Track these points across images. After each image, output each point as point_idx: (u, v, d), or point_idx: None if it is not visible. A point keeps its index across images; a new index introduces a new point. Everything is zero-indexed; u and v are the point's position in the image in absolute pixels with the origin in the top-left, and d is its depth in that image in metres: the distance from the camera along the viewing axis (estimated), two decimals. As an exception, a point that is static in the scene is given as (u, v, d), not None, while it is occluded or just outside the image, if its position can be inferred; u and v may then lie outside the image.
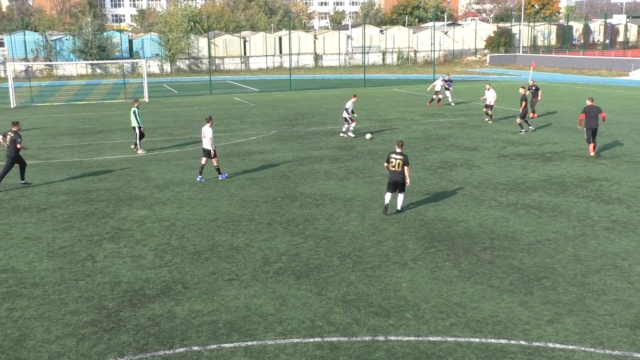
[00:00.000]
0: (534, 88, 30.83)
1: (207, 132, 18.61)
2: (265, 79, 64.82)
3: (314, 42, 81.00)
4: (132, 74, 68.86)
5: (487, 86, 30.18)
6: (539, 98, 31.06)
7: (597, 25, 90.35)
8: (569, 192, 16.82)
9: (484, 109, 30.24)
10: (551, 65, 69.18)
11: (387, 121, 31.22)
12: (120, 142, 26.56)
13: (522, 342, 8.83)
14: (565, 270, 11.42)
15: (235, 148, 24.39)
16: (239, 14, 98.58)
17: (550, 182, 18.01)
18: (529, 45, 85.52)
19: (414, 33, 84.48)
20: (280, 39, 79.58)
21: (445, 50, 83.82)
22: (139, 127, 23.59)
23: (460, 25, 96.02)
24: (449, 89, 37.54)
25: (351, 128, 26.33)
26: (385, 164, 14.84)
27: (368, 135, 25.92)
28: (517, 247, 12.66)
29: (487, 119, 30.01)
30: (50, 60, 70.32)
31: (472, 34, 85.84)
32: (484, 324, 9.37)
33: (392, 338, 9.00)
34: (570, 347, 8.69)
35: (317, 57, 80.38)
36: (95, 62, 67.05)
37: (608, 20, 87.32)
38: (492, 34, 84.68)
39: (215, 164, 19.06)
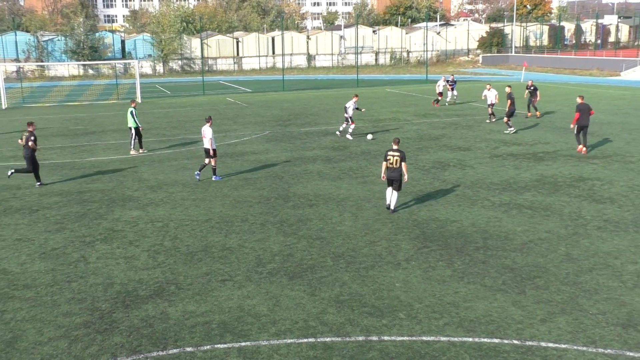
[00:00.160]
0: (532, 88, 30.95)
1: (207, 132, 18.66)
2: (258, 80, 64.78)
3: (307, 42, 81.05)
4: (124, 74, 68.67)
5: (488, 86, 30.20)
6: (538, 98, 31.15)
7: (588, 26, 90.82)
8: (561, 192, 16.89)
9: (489, 109, 30.22)
10: (543, 65, 69.47)
11: (380, 121, 31.26)
12: (112, 143, 26.47)
13: (515, 342, 8.86)
14: (558, 270, 11.47)
15: (229, 148, 24.35)
16: (231, 14, 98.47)
17: (542, 181, 18.08)
18: (521, 45, 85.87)
19: (406, 33, 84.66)
20: (273, 39, 79.56)
21: (438, 51, 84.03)
22: (136, 128, 23.55)
23: (452, 25, 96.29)
24: (453, 89, 37.51)
25: (350, 130, 26.14)
26: (384, 162, 14.92)
27: (369, 136, 25.88)
28: (510, 247, 12.70)
29: (488, 120, 30.07)
30: (42, 61, 70.04)
31: (465, 34, 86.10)
32: (477, 324, 9.40)
33: (386, 338, 9.01)
34: (563, 346, 8.73)
35: (310, 58, 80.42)
36: (88, 62, 66.85)
37: (599, 21, 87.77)
38: (484, 34, 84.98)
39: (213, 163, 19.07)
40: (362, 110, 27.15)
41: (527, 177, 18.60)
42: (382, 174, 15.09)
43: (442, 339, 8.97)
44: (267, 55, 79.01)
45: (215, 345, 8.88)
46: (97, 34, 74.40)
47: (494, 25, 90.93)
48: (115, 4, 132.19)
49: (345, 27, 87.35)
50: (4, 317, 9.92)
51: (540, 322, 9.42)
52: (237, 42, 78.55)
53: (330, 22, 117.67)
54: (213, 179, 19.07)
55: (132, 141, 23.76)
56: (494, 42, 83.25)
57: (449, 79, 38.09)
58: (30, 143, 18.27)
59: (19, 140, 18.86)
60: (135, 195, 17.48)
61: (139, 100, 42.98)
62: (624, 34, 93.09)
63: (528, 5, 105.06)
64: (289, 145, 25.02)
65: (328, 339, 8.99)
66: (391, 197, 15.15)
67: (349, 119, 25.75)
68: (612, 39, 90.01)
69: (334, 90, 49.92)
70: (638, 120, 29.64)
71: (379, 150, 23.43)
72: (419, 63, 79.39)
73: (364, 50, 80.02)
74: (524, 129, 27.59)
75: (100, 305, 10.26)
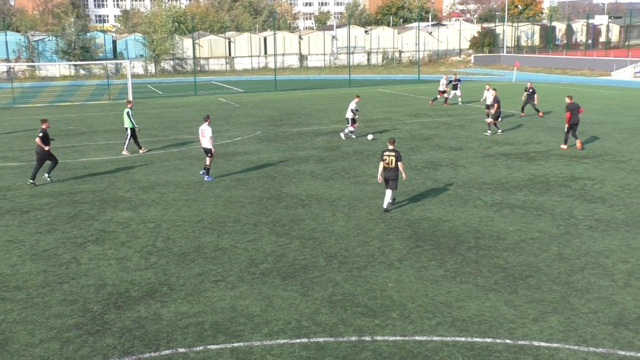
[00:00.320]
0: (531, 90, 31.06)
1: (206, 131, 18.69)
2: (250, 80, 64.70)
3: (299, 42, 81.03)
4: (116, 75, 68.42)
5: (487, 87, 30.25)
6: (536, 101, 31.23)
7: (579, 26, 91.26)
8: (553, 191, 16.96)
9: (486, 110, 30.26)
10: (535, 65, 69.77)
11: (372, 121, 31.28)
12: (104, 144, 26.36)
13: (508, 341, 8.89)
14: (550, 269, 11.51)
15: (221, 149, 24.29)
16: (223, 14, 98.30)
17: (534, 181, 18.15)
18: (513, 45, 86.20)
19: (398, 33, 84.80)
20: (265, 39, 79.49)
21: (430, 51, 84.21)
22: (132, 129, 23.46)
23: (444, 25, 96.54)
24: (456, 88, 37.46)
25: (346, 130, 25.96)
26: (381, 162, 15.01)
27: (370, 136, 25.87)
28: (502, 247, 12.74)
29: (487, 119, 30.08)
30: (33, 61, 69.68)
31: (457, 35, 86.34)
32: (469, 323, 9.42)
33: (379, 338, 9.02)
34: (555, 345, 8.76)
35: (302, 58, 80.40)
36: (79, 63, 66.54)
37: (590, 21, 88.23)
38: (476, 34, 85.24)
39: (207, 163, 19.05)
40: (357, 111, 27.04)
41: (519, 177, 18.67)
42: (379, 176, 15.15)
43: (435, 338, 8.99)
44: (259, 56, 78.93)
45: (208, 346, 8.85)
46: (88, 34, 74.07)
47: (485, 25, 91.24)
48: (106, 4, 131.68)
49: (338, 27, 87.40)
50: (-5, 319, 9.86)
51: (532, 322, 9.46)
52: (229, 42, 78.44)
53: (322, 22, 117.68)
54: (205, 178, 19.04)
55: (127, 142, 23.66)
56: (486, 42, 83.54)
57: (452, 79, 38.01)
58: (37, 139, 18.60)
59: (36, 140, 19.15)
60: (127, 196, 17.41)
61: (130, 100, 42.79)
62: (615, 34, 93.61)
63: (519, 6, 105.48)
64: (282, 145, 25.00)
65: (321, 339, 8.99)
66: (386, 195, 15.24)
67: (350, 120, 25.70)
68: (602, 39, 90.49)
69: (326, 91, 49.94)
70: (629, 120, 29.81)
71: (371, 150, 23.46)
72: (411, 63, 79.53)
73: (356, 50, 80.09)
74: (514, 129, 27.69)
75: (92, 307, 10.21)
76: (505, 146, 23.70)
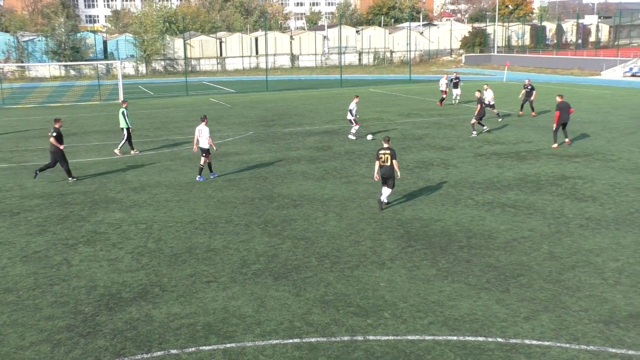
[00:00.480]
0: (529, 87, 31.17)
1: (204, 131, 18.76)
2: (242, 80, 64.60)
3: (290, 42, 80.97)
4: (106, 75, 68.12)
5: (485, 86, 30.33)
6: (533, 98, 31.34)
7: (569, 26, 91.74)
8: (543, 190, 17.04)
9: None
10: (525, 64, 70.07)
11: (364, 121, 31.29)
12: (95, 145, 26.24)
13: (500, 340, 8.92)
14: (541, 268, 11.56)
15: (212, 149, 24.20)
16: (214, 14, 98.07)
17: (525, 180, 18.23)
18: (504, 45, 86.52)
19: (390, 33, 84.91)
20: (256, 39, 79.39)
21: (421, 51, 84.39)
22: (128, 129, 23.34)
23: (435, 25, 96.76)
24: (457, 87, 37.28)
25: (353, 130, 25.98)
26: (377, 162, 15.21)
27: (369, 137, 25.86)
28: (494, 246, 12.79)
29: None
30: (22, 62, 69.29)
31: (448, 34, 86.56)
32: (461, 322, 9.45)
33: (371, 338, 9.03)
34: (547, 343, 8.81)
35: (293, 58, 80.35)
36: (69, 63, 66.18)
37: (580, 21, 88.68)
38: (467, 34, 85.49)
39: (201, 163, 19.05)
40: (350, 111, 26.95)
41: (510, 176, 18.75)
42: (375, 174, 15.41)
43: (427, 337, 9.01)
44: (250, 56, 78.82)
45: (200, 347, 8.83)
46: (78, 35, 73.71)
47: (476, 25, 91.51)
48: (96, 4, 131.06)
49: (329, 27, 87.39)
50: (-15, 321, 9.79)
51: (524, 320, 9.50)
52: (220, 43, 78.28)
53: (313, 22, 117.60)
54: (197, 178, 19.01)
55: (123, 141, 23.52)
56: (477, 42, 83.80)
57: (452, 78, 37.92)
58: (51, 138, 18.78)
59: (49, 134, 19.34)
60: (118, 197, 17.34)
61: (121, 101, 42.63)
62: (604, 34, 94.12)
63: (510, 6, 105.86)
64: (273, 145, 24.98)
65: (313, 340, 8.99)
66: (384, 193, 15.48)
67: (353, 121, 25.66)
68: (592, 38, 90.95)
69: (317, 91, 49.94)
70: (618, 119, 30.00)
71: (362, 150, 23.48)
72: (402, 63, 79.67)
73: (347, 50, 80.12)
74: (505, 128, 27.80)
75: (83, 309, 10.16)
76: (497, 145, 23.79)
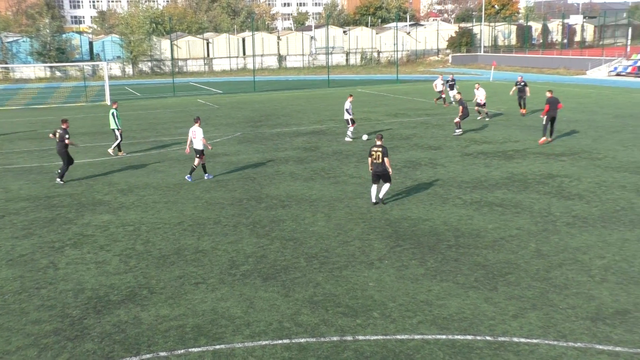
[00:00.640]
0: (522, 84, 31.31)
1: (198, 132, 18.78)
2: (229, 81, 64.43)
3: (278, 43, 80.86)
4: (93, 76, 67.65)
5: (477, 85, 30.37)
6: (528, 94, 31.47)
7: (555, 26, 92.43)
8: (530, 189, 17.15)
9: (476, 108, 30.42)
10: (512, 64, 70.46)
11: (351, 121, 31.31)
12: (82, 147, 26.03)
13: (488, 338, 8.97)
14: (529, 266, 11.64)
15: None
16: (201, 15, 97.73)
17: (512, 179, 18.33)
18: (490, 45, 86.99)
19: (377, 33, 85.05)
20: (243, 40, 79.21)
21: (408, 51, 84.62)
22: (119, 129, 23.21)
23: (422, 25, 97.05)
24: (453, 89, 37.23)
25: (349, 133, 25.85)
26: (369, 158, 15.51)
27: (365, 137, 25.82)
28: (482, 244, 12.85)
29: (479, 117, 30.29)
30: (7, 63, 68.63)
31: (434, 34, 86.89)
32: (450, 321, 9.48)
33: (360, 337, 9.04)
34: (535, 340, 8.86)
35: (280, 58, 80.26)
36: (55, 64, 65.67)
37: (565, 21, 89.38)
38: (453, 34, 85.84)
39: (195, 164, 19.02)
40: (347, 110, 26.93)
41: (497, 175, 18.84)
42: (370, 167, 15.76)
43: (416, 337, 9.03)
44: (237, 57, 78.62)
45: (190, 349, 8.80)
46: (64, 36, 73.16)
47: (463, 25, 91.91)
48: (82, 5, 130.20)
49: (316, 27, 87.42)
50: (-29, 325, 9.69)
51: (512, 318, 9.55)
52: (208, 43, 78.01)
53: (300, 23, 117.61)
54: (186, 177, 18.97)
55: (117, 142, 23.37)
56: (463, 41, 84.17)
57: (448, 79, 37.94)
58: (67, 140, 19.03)
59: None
60: (105, 199, 17.23)
61: (107, 102, 42.39)
62: (589, 34, 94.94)
63: (496, 6, 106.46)
64: (261, 146, 24.94)
65: (303, 340, 8.98)
66: (381, 189, 15.81)
67: (350, 121, 25.64)
68: (577, 38, 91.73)
69: (305, 91, 49.92)
70: (604, 118, 30.25)
71: (350, 150, 23.51)
72: (389, 63, 79.82)
73: (334, 50, 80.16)
74: (492, 128, 27.94)
75: (70, 312, 10.09)
76: (484, 145, 23.90)
